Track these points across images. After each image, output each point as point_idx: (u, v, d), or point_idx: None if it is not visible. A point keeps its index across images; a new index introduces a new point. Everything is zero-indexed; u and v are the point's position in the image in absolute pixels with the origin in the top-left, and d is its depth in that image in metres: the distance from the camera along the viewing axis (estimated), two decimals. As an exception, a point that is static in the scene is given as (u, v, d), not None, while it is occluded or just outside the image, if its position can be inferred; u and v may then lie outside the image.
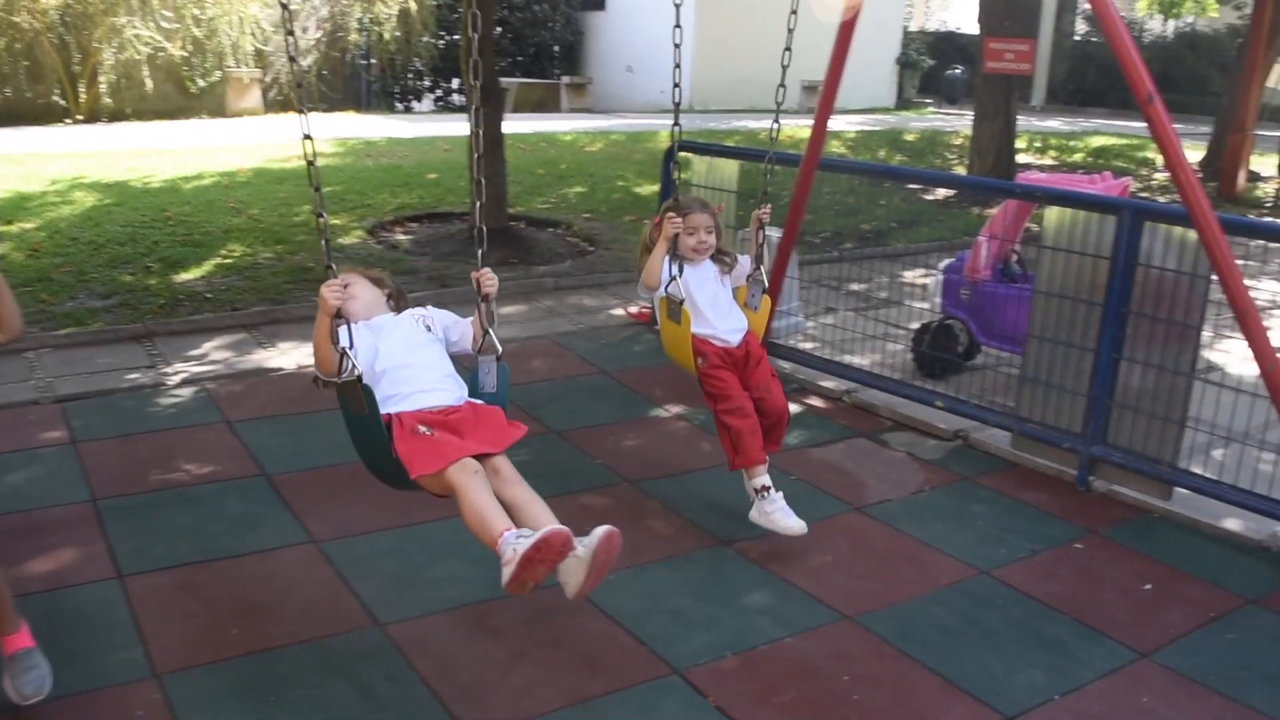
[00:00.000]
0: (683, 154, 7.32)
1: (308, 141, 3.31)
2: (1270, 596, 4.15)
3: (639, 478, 5.02)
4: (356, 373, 3.31)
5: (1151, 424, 4.88)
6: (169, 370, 6.25)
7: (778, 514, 4.30)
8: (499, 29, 24.37)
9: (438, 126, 17.27)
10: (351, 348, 3.34)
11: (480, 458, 3.29)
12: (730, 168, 6.91)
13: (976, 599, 4.08)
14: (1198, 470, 4.89)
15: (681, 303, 4.35)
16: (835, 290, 8.01)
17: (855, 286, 8.33)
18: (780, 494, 4.34)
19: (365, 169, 12.63)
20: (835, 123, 13.21)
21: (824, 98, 5.85)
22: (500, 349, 3.60)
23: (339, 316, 3.37)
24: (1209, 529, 4.68)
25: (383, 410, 3.37)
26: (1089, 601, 4.07)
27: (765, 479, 4.35)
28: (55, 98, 18.16)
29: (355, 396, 3.31)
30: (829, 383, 6.30)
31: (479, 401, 3.57)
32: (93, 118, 18.15)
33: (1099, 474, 5.07)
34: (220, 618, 3.80)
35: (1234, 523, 4.67)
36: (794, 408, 5.88)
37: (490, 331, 3.59)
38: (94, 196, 10.53)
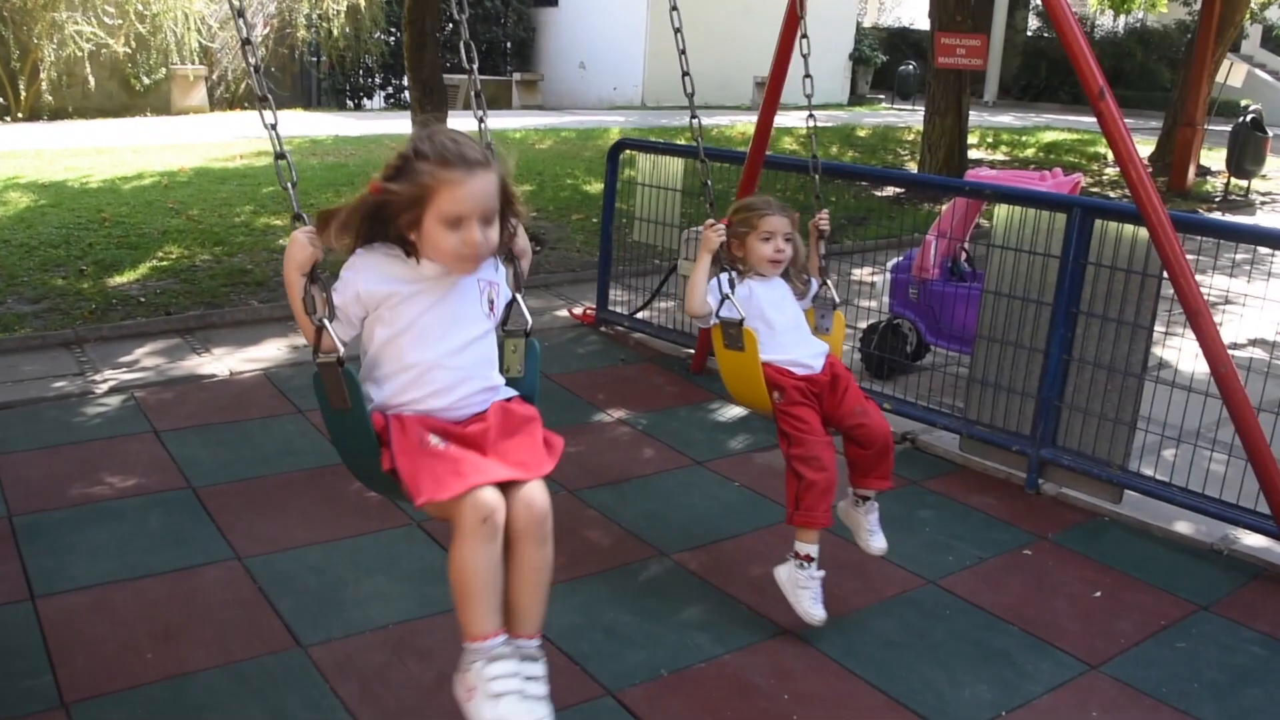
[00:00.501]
0: (627, 152, 7.24)
1: (260, 89, 2.70)
2: (1221, 602, 4.06)
3: (577, 486, 4.86)
4: (337, 354, 2.54)
5: (1102, 425, 4.79)
6: (97, 378, 6.03)
7: (807, 595, 3.67)
8: (449, 25, 24.14)
9: (386, 124, 17.04)
10: (333, 319, 2.56)
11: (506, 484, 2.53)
12: (675, 166, 6.77)
13: (922, 610, 3.96)
14: (1148, 472, 4.81)
15: (740, 323, 3.66)
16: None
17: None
18: (822, 574, 3.71)
19: (309, 168, 12.40)
20: (787, 119, 13.09)
21: (769, 93, 5.72)
22: (530, 320, 2.85)
23: (314, 281, 2.55)
24: (1160, 532, 4.59)
25: (378, 407, 2.66)
26: (1038, 611, 3.96)
27: (815, 548, 3.69)
28: (-6, 95, 17.80)
29: (335, 386, 2.55)
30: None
31: (509, 397, 2.76)
32: (34, 116, 17.79)
33: (1049, 477, 4.98)
34: (135, 641, 3.61)
35: (1185, 526, 4.59)
36: (736, 410, 5.78)
37: (519, 299, 2.84)
38: (29, 197, 10.27)
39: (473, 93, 3.04)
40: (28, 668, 3.44)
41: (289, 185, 2.72)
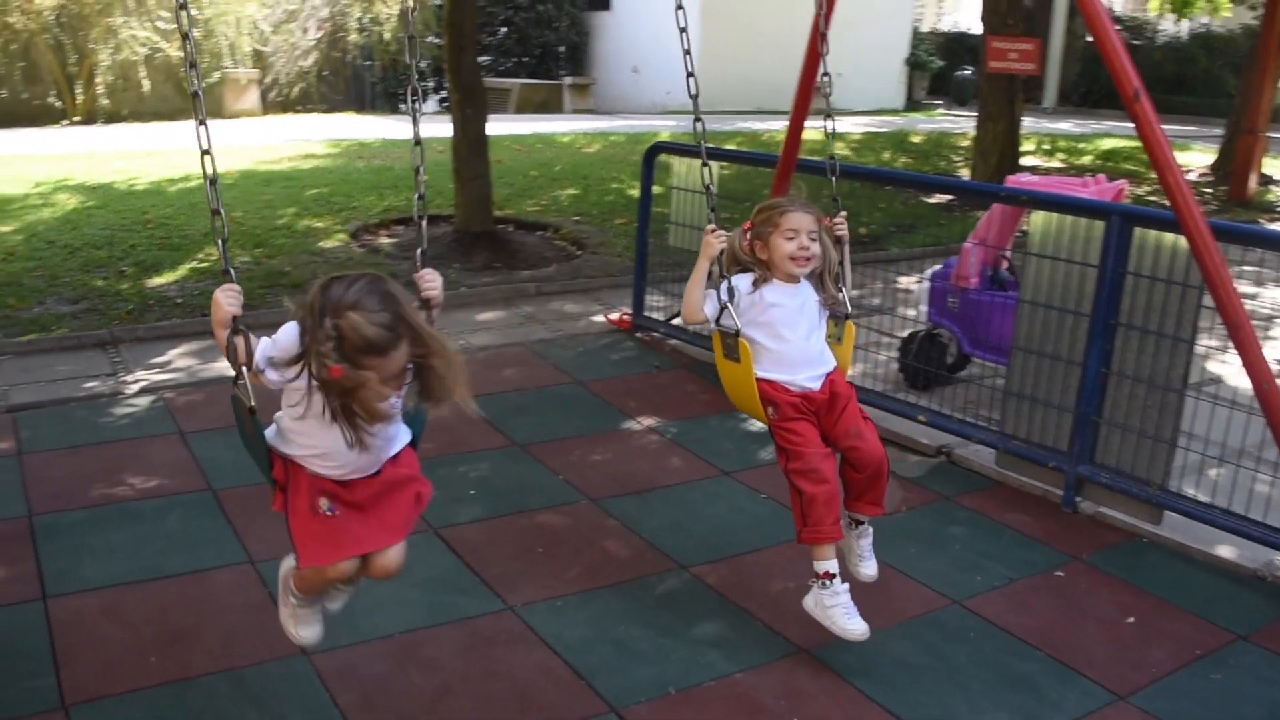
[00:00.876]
0: (663, 156, 7.14)
1: (198, 101, 2.85)
2: (1262, 631, 3.87)
3: (601, 495, 4.78)
4: (250, 403, 2.75)
5: (1141, 442, 4.62)
6: (129, 379, 6.05)
7: (838, 612, 3.51)
8: (504, 29, 24.18)
9: (435, 127, 16.93)
10: (251, 369, 2.72)
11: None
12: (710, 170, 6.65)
13: (945, 632, 3.81)
14: (1190, 491, 4.63)
15: (737, 334, 3.55)
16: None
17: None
18: (846, 586, 3.55)
19: (355, 170, 12.44)
20: (841, 124, 12.93)
21: (799, 95, 5.61)
22: None
23: (236, 333, 2.72)
24: (1200, 556, 4.40)
25: (284, 450, 2.86)
26: (1066, 636, 3.80)
27: (833, 564, 3.53)
28: (51, 99, 18.06)
29: (246, 419, 2.78)
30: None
31: (400, 449, 2.98)
32: (90, 119, 18.04)
33: (1086, 495, 4.80)
34: (141, 644, 3.59)
35: (1227, 550, 4.39)
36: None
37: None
38: (77, 199, 10.38)
39: (413, 120, 3.32)
40: (32, 668, 3.43)
41: (220, 241, 2.87)
